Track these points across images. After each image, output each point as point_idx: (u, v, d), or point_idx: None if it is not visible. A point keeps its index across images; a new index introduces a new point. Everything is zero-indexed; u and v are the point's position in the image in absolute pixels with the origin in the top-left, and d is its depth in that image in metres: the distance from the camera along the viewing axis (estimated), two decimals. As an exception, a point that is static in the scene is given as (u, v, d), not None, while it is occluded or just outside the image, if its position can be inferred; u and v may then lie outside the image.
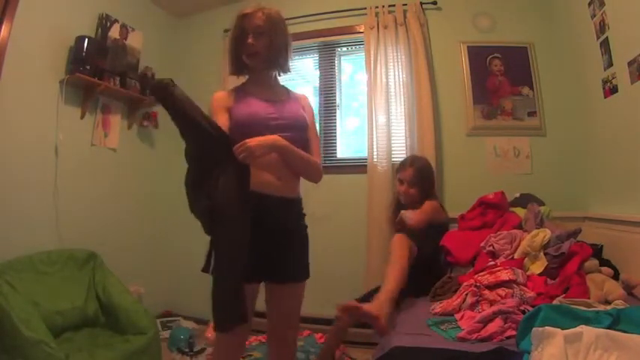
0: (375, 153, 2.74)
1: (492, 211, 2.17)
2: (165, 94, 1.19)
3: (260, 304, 1.43)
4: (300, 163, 1.41)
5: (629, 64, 1.84)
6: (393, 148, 2.75)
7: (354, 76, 3.27)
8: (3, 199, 2.06)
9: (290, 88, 1.59)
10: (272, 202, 1.36)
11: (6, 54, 2.05)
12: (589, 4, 2.16)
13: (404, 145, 2.74)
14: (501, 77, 2.74)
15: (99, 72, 2.51)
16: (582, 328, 0.99)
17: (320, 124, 3.01)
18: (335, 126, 3.06)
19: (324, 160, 2.77)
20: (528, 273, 1.70)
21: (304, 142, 1.45)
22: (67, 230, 2.35)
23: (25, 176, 2.18)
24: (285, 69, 1.52)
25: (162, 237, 3.16)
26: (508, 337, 1.26)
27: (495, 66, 2.75)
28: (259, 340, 2.41)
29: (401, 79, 2.78)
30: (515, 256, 1.80)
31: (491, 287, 1.58)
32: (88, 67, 2.41)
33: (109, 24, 2.66)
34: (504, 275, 1.60)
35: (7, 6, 2.05)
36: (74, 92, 2.46)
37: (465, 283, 1.65)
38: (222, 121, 1.35)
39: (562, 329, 0.99)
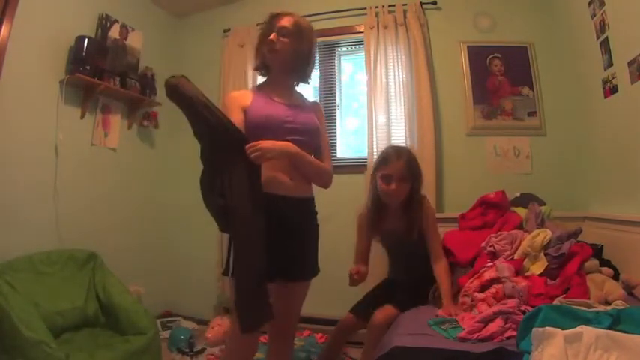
0: (375, 153, 2.73)
1: (493, 210, 2.17)
2: (174, 92, 1.22)
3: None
4: (309, 169, 1.46)
5: (629, 64, 1.84)
6: (393, 148, 2.74)
7: (354, 76, 3.27)
8: (3, 199, 2.05)
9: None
10: (288, 203, 1.39)
11: (6, 54, 2.04)
12: (589, 4, 2.16)
13: (404, 145, 2.73)
14: (501, 77, 2.73)
15: (99, 72, 2.51)
16: (582, 329, 0.99)
17: (320, 124, 3.01)
18: (335, 126, 3.06)
19: (324, 160, 2.76)
20: (528, 273, 1.71)
21: (316, 148, 1.51)
22: (67, 230, 2.35)
23: (25, 176, 2.18)
24: (303, 78, 1.54)
25: (162, 237, 3.15)
26: (508, 337, 1.26)
27: (495, 66, 2.75)
28: (260, 341, 2.41)
29: (401, 79, 2.78)
30: (516, 256, 1.80)
31: (483, 289, 1.63)
32: (88, 67, 2.41)
33: (109, 24, 2.66)
34: (487, 274, 1.65)
35: (7, 6, 2.05)
36: (74, 92, 2.46)
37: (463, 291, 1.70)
38: (237, 119, 1.36)
39: (562, 329, 1.00)
